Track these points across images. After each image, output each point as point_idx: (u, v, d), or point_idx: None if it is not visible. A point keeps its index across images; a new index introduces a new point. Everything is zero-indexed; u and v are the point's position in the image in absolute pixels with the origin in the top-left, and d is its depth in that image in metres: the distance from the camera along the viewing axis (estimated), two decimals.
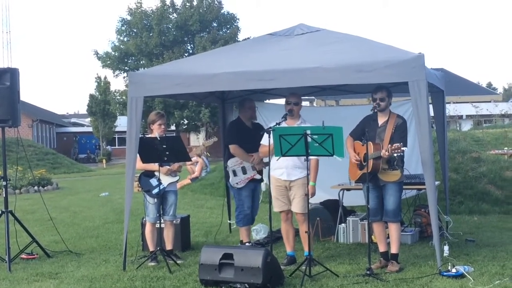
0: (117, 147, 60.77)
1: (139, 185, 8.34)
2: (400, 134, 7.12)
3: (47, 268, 7.95)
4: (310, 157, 7.09)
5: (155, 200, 8.11)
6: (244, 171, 8.55)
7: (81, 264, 8.16)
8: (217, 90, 8.27)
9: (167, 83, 7.74)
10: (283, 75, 7.17)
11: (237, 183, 8.62)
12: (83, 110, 66.21)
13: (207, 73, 7.51)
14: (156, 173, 8.09)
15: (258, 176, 8.52)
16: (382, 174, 7.16)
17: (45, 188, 21.12)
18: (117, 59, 48.45)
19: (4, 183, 8.59)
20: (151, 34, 46.51)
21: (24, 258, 8.52)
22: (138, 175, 8.35)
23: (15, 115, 8.31)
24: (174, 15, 48.33)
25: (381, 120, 7.29)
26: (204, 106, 42.31)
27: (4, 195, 8.53)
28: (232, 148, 8.61)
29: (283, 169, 7.56)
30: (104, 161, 48.05)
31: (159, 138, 7.91)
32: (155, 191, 8.11)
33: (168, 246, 8.20)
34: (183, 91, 7.91)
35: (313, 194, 7.56)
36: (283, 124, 7.55)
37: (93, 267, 7.90)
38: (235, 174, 8.61)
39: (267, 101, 11.14)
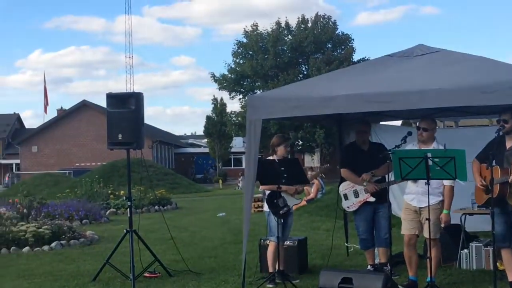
0: (232, 167, 61.74)
1: (265, 205, 8.41)
2: None
3: (169, 286, 8.17)
4: (445, 184, 7.04)
5: (281, 220, 8.17)
6: (356, 194, 8.47)
7: (201, 283, 8.32)
8: (334, 112, 8.25)
9: (285, 106, 7.78)
10: (402, 97, 7.05)
11: (348, 207, 8.58)
12: (200, 131, 67.89)
13: (324, 95, 7.50)
14: (282, 194, 8.17)
15: (371, 199, 8.36)
16: (511, 198, 6.86)
17: (165, 207, 21.76)
18: (233, 81, 49.40)
19: (129, 203, 8.95)
20: (266, 56, 47.15)
21: (147, 277, 8.79)
22: (264, 194, 8.43)
23: (139, 138, 8.65)
24: (289, 36, 48.79)
25: (509, 143, 7.00)
26: (319, 127, 42.31)
27: (128, 215, 8.88)
28: (342, 172, 8.61)
29: (413, 195, 7.45)
30: (220, 181, 48.95)
31: (277, 160, 7.99)
32: (282, 211, 8.17)
33: (281, 266, 8.23)
34: (301, 114, 7.92)
35: (447, 222, 7.37)
36: (411, 146, 7.46)
37: (212, 287, 8.03)
38: (346, 198, 8.57)
39: (382, 122, 10.99)
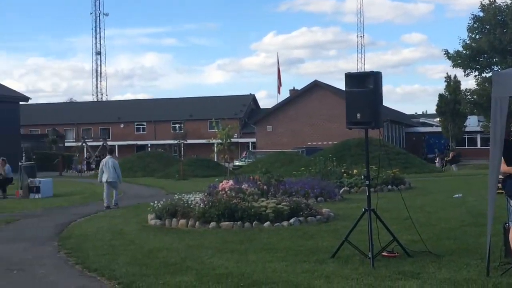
0: (466, 147, 59.64)
1: (502, 189, 8.02)
2: None
3: (408, 267, 8.07)
4: None
5: None
6: None
7: (442, 265, 8.11)
8: None
9: None
10: None
11: None
12: (432, 110, 66.32)
13: None
14: None
15: None
16: None
17: (399, 187, 21.54)
18: (468, 58, 47.39)
19: (367, 182, 8.98)
20: (505, 30, 44.59)
21: (386, 256, 8.77)
22: (502, 178, 8.03)
23: (377, 117, 8.63)
24: None
25: None
26: None
27: (366, 194, 8.92)
28: None
29: None
30: None
31: None
32: None
33: None
34: None
35: None
36: None
37: (454, 270, 7.80)
38: None
39: None
